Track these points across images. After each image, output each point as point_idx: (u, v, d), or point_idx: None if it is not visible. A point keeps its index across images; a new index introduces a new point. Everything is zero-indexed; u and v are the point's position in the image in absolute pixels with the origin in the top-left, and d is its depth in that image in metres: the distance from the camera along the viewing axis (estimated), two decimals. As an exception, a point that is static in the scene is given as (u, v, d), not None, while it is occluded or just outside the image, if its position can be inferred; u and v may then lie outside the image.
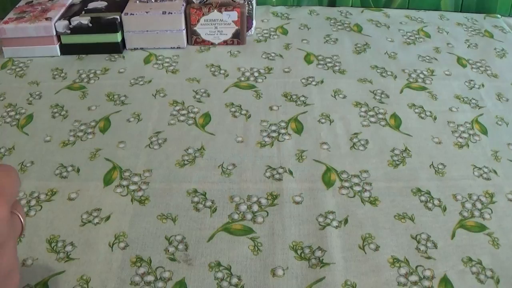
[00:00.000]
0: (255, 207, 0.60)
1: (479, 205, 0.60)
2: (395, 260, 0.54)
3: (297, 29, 0.96)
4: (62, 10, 0.88)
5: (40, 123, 0.73)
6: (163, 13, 0.86)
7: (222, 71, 0.84)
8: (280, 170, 0.64)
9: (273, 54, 0.88)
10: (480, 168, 0.65)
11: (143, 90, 0.79)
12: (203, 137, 0.70)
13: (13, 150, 0.68)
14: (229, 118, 0.73)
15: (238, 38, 0.90)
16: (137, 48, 0.89)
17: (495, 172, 0.65)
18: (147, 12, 0.86)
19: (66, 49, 0.87)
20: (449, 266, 0.53)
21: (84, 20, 0.84)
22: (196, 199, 0.61)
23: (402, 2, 1.04)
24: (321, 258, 0.54)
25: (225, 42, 0.90)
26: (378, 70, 0.84)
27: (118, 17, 0.85)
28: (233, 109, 0.75)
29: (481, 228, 0.58)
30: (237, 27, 0.89)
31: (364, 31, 0.96)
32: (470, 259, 0.54)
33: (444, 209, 0.60)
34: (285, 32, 0.95)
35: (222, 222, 0.58)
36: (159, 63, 0.86)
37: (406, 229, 0.57)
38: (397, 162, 0.66)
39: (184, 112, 0.74)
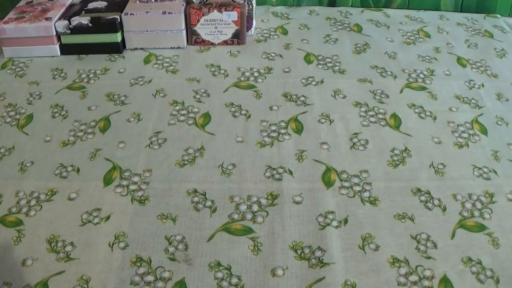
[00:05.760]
0: (255, 207, 0.60)
1: (479, 205, 0.60)
2: (395, 260, 0.54)
3: (297, 29, 0.96)
4: (62, 10, 0.88)
5: (40, 123, 0.73)
6: (163, 13, 0.86)
7: (222, 71, 0.84)
8: (280, 170, 0.64)
9: (273, 54, 0.88)
10: (480, 168, 0.65)
11: (143, 90, 0.79)
12: (203, 137, 0.70)
13: (13, 150, 0.68)
14: (229, 118, 0.73)
15: (238, 38, 0.90)
16: (137, 48, 0.89)
17: (495, 172, 0.65)
18: (147, 12, 0.86)
19: (66, 49, 0.87)
20: (449, 266, 0.53)
21: (84, 20, 0.84)
22: (196, 199, 0.61)
23: (402, 2, 1.04)
24: (321, 258, 0.54)
25: (225, 42, 0.90)
26: (378, 70, 0.84)
27: (118, 17, 0.85)
28: (233, 109, 0.75)
29: (481, 228, 0.58)
30: (237, 27, 0.89)
31: (364, 31, 0.96)
32: (470, 259, 0.54)
33: (444, 209, 0.60)
34: (285, 32, 0.95)
35: (222, 222, 0.58)
36: (159, 63, 0.86)
37: (406, 229, 0.57)
38: (397, 162, 0.66)
39: (184, 112, 0.74)
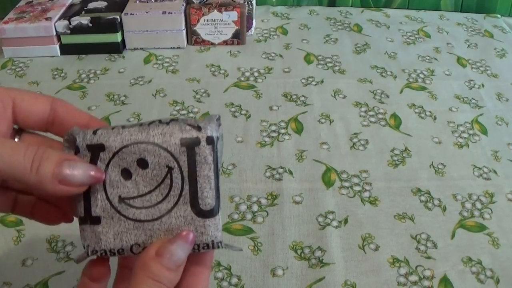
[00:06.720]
0: (255, 207, 0.60)
1: (479, 205, 0.60)
2: (395, 260, 0.54)
3: (297, 29, 0.96)
4: (62, 10, 0.88)
5: (40, 123, 0.73)
6: (163, 13, 0.86)
7: (222, 71, 0.84)
8: (280, 170, 0.64)
9: (273, 54, 0.88)
10: (480, 168, 0.65)
11: (143, 90, 0.79)
12: (203, 137, 0.70)
13: (13, 150, 0.68)
14: (229, 118, 0.73)
15: (238, 38, 0.90)
16: (137, 48, 0.89)
17: (495, 172, 0.65)
18: (147, 12, 0.86)
19: (66, 49, 0.87)
20: (449, 266, 0.53)
21: (84, 20, 0.84)
22: (196, 199, 0.61)
23: (402, 2, 1.04)
24: (321, 258, 0.54)
25: (225, 42, 0.90)
26: (378, 70, 0.84)
27: (118, 17, 0.85)
28: (233, 109, 0.75)
29: (481, 228, 0.58)
30: (237, 27, 0.89)
31: (364, 31, 0.96)
32: (470, 259, 0.54)
33: (444, 209, 0.60)
34: (285, 32, 0.95)
35: (222, 222, 0.58)
36: (159, 63, 0.86)
37: (406, 229, 0.57)
38: (397, 162, 0.66)
39: (184, 112, 0.74)
